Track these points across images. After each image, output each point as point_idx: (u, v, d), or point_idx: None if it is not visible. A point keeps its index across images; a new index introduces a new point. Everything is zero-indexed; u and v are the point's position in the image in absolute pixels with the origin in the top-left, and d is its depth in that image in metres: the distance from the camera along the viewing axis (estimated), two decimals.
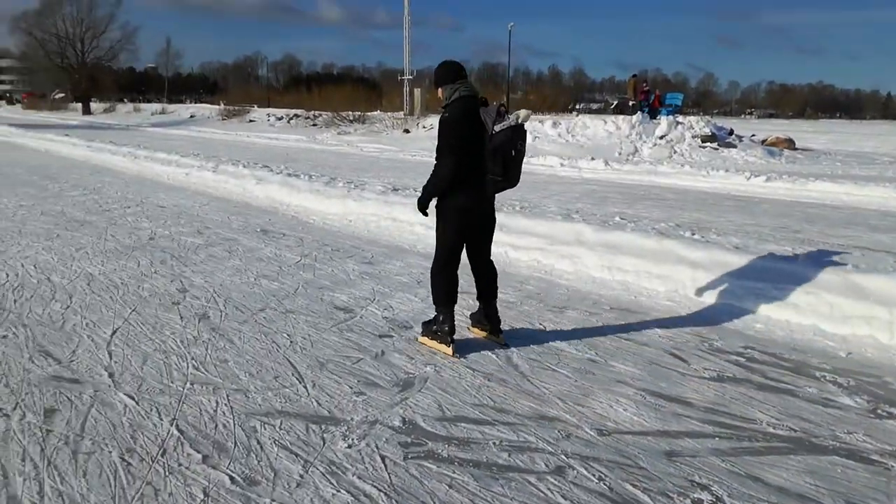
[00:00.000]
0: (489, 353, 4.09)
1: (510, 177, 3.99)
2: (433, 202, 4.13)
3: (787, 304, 4.92)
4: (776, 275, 5.19)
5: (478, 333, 4.45)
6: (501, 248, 6.84)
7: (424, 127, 28.59)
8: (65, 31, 62.41)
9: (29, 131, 27.33)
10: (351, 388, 3.55)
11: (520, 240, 6.83)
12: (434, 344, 4.19)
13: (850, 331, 4.55)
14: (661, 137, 20.37)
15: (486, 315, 4.36)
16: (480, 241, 4.28)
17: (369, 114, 34.73)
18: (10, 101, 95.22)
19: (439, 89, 4.06)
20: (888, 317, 4.46)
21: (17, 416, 3.12)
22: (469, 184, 3.91)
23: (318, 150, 22.69)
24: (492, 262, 4.38)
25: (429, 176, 4.05)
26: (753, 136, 23.25)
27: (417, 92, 33.78)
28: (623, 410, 3.34)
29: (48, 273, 5.72)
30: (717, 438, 3.08)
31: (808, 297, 4.86)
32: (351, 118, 33.98)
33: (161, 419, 3.14)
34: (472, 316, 4.54)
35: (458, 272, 4.23)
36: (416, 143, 24.88)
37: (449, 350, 4.08)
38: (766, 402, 3.50)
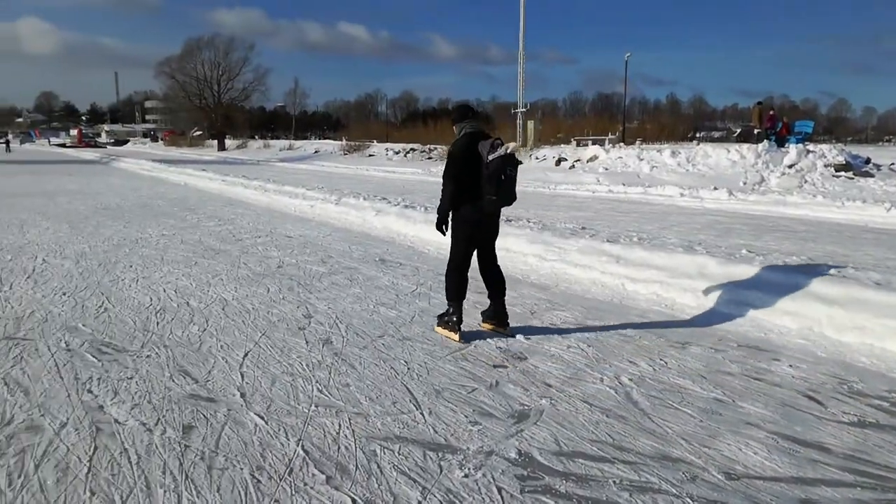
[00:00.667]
0: (607, 389, 3.99)
1: (502, 196, 4.72)
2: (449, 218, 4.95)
3: None
4: None
5: (488, 327, 5.20)
6: (618, 280, 6.71)
7: (537, 158, 28.60)
8: (203, 74, 67.86)
9: (170, 166, 29.76)
10: (466, 417, 3.57)
11: (638, 272, 6.66)
12: (445, 332, 5.04)
13: None
14: (791, 166, 19.29)
15: (496, 311, 5.14)
16: (486, 250, 5.09)
17: None
18: (154, 139, 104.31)
19: (455, 126, 5.00)
20: None
21: (158, 431, 3.37)
22: (472, 202, 4.77)
23: (433, 182, 23.18)
24: (498, 266, 5.15)
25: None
26: (893, 164, 21.53)
27: (530, 124, 33.93)
28: (753, 454, 3.16)
29: (187, 298, 6.17)
30: (858, 488, 2.84)
31: None
32: None
33: (288, 439, 3.29)
34: (484, 313, 5.28)
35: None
36: (528, 173, 24.89)
37: (456, 337, 4.93)
38: None
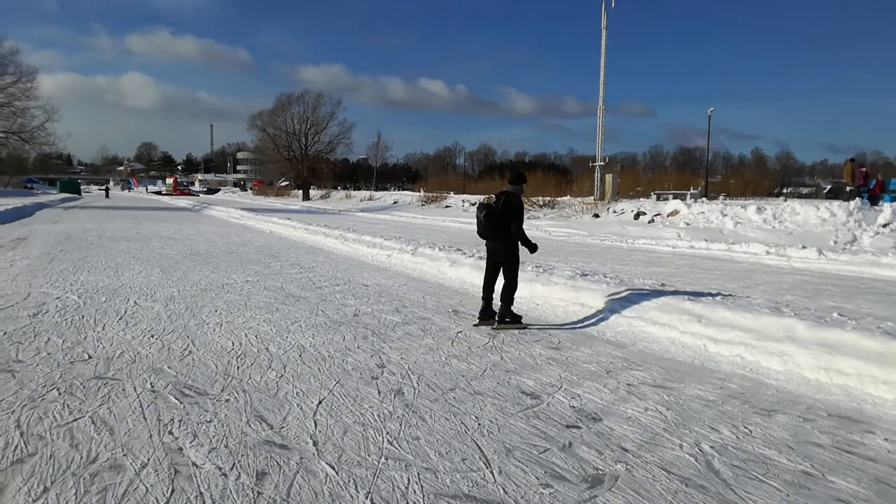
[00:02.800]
0: (686, 456, 3.81)
1: (478, 230, 7.46)
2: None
3: None
4: None
5: (483, 323, 7.37)
6: (700, 341, 6.47)
7: (615, 212, 28.25)
8: (292, 128, 71.38)
9: (258, 215, 31.03)
10: (538, 478, 3.48)
11: (721, 333, 6.40)
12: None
13: None
14: (885, 225, 18.30)
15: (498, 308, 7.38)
16: (500, 270, 7.44)
17: (559, 199, 35.13)
18: (243, 188, 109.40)
19: None
20: None
21: (233, 476, 3.43)
22: None
23: None
24: (504, 282, 7.35)
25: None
26: None
27: (609, 177, 33.66)
28: None
29: (267, 343, 6.34)
30: None
31: None
32: (541, 203, 34.57)
33: (357, 491, 3.28)
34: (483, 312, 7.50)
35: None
36: (606, 227, 24.62)
37: (476, 320, 7.44)
38: None
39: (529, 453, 3.81)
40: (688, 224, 22.95)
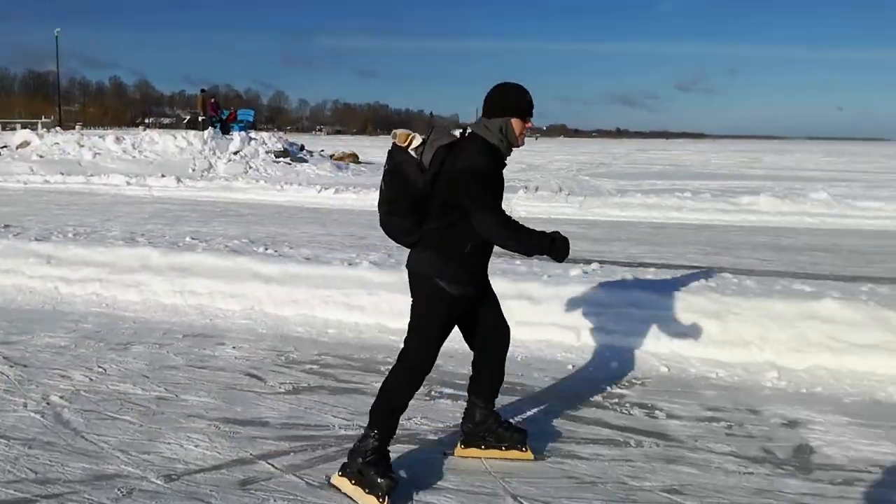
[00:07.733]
0: (31, 415, 3.41)
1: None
2: None
3: (354, 307, 5.26)
4: (343, 280, 5.52)
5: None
6: (51, 284, 5.94)
7: None
8: None
9: None
10: None
11: (73, 272, 5.98)
12: None
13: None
14: (236, 153, 20.35)
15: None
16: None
17: None
18: None
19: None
20: None
21: None
22: None
23: None
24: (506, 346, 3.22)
25: None
26: (322, 151, 24.92)
27: None
28: (195, 447, 3.09)
29: None
30: (292, 454, 3.05)
31: (370, 298, 5.27)
32: None
33: None
34: None
35: None
36: None
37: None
38: (338, 405, 3.63)
39: None
40: (41, 157, 20.75)
